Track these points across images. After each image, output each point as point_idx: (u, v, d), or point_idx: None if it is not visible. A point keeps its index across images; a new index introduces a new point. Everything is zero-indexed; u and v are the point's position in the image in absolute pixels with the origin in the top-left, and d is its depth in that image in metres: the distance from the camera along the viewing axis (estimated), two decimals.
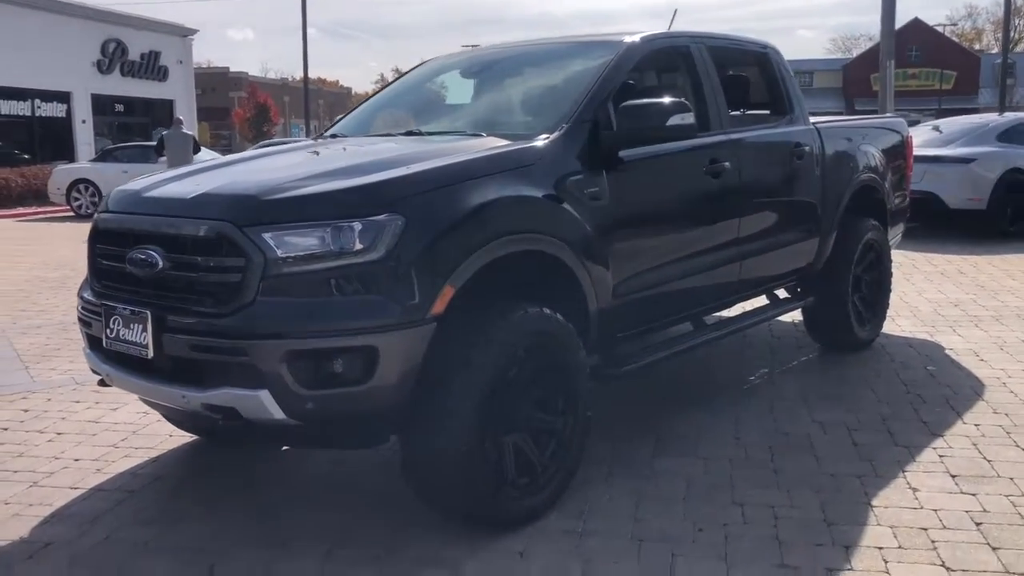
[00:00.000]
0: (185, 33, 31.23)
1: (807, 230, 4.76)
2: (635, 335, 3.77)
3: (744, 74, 4.76)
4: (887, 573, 2.69)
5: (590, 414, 3.28)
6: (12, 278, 8.91)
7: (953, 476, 3.39)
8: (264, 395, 2.66)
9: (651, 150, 3.65)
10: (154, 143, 17.15)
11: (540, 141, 3.34)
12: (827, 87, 52.52)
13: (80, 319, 3.29)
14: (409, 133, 3.92)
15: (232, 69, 68.87)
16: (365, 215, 2.72)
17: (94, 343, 3.19)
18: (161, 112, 29.35)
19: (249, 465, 3.71)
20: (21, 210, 19.21)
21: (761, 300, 4.96)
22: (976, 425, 3.96)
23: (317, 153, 3.74)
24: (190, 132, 15.84)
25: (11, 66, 23.45)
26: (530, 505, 3.06)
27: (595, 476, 3.44)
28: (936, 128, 11.47)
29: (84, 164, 19.94)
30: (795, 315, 5.59)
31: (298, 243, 2.70)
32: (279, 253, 2.68)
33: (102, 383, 3.26)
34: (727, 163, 4.06)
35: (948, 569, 2.70)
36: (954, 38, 56.48)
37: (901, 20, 32.47)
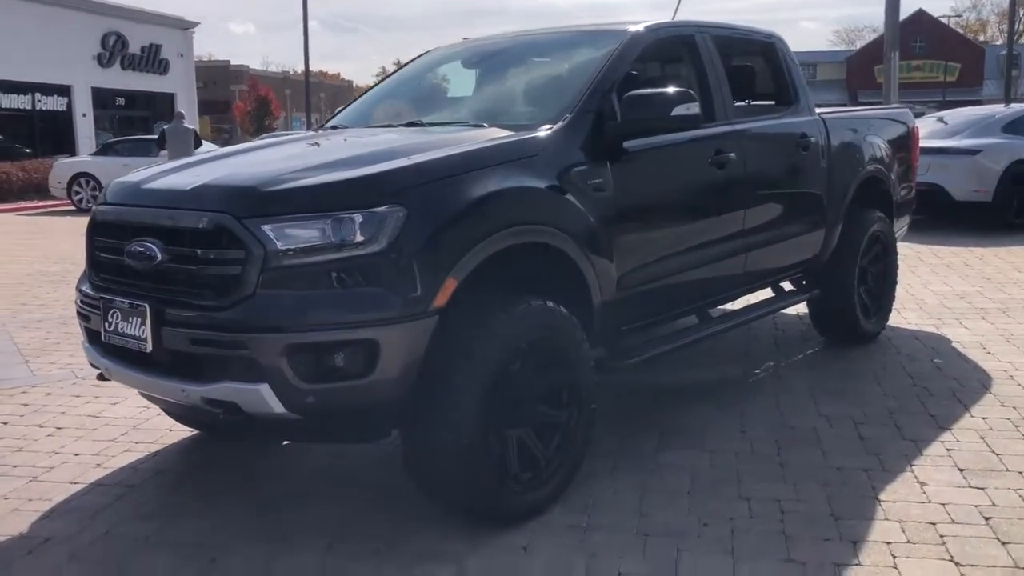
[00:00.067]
0: (186, 26, 31.13)
1: (812, 222, 4.72)
2: (640, 328, 3.73)
3: (749, 64, 4.71)
4: (895, 568, 2.66)
5: (594, 407, 3.25)
6: (13, 272, 8.88)
7: (961, 470, 3.36)
8: (264, 389, 2.63)
9: (655, 141, 3.60)
10: (155, 136, 17.14)
11: (543, 131, 3.30)
12: (830, 79, 52.34)
13: (79, 313, 3.26)
14: (410, 124, 3.88)
15: (233, 62, 68.78)
16: (366, 206, 2.68)
17: (93, 337, 3.16)
18: (162, 105, 29.29)
19: (250, 459, 3.68)
20: (22, 204, 19.20)
21: (765, 293, 4.92)
22: (984, 418, 3.92)
23: (317, 144, 3.70)
24: (191, 126, 15.81)
25: (11, 59, 23.39)
26: (534, 499, 3.03)
27: (600, 470, 3.41)
28: (941, 120, 11.41)
29: (85, 158, 19.92)
30: (800, 308, 5.56)
31: (298, 235, 2.66)
32: (279, 245, 2.64)
33: (101, 377, 3.23)
34: (732, 154, 4.01)
35: (957, 564, 2.67)
36: (958, 29, 56.23)
37: (905, 11, 32.32)
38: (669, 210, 3.76)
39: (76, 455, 3.71)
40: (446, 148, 3.09)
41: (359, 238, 2.65)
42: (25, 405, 4.41)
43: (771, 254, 4.41)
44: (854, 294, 5.04)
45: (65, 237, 11.86)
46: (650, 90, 3.45)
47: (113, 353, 3.04)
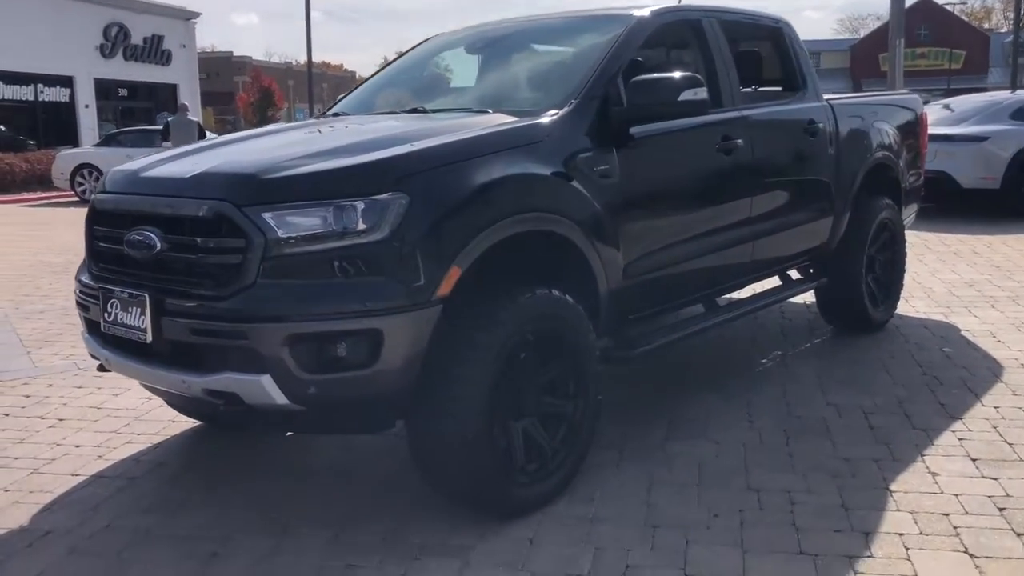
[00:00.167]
0: (188, 17, 31.02)
1: (820, 209, 4.66)
2: (646, 317, 3.68)
3: (756, 49, 4.65)
4: (909, 560, 2.61)
5: (601, 398, 3.20)
6: (16, 263, 8.85)
7: (973, 460, 3.31)
8: (266, 380, 2.58)
9: (662, 127, 3.55)
10: (158, 127, 17.09)
11: (548, 117, 3.25)
12: (834, 68, 52.04)
13: (78, 303, 3.22)
14: (413, 111, 3.82)
15: (236, 53, 68.66)
16: (368, 194, 2.63)
17: (92, 327, 3.12)
18: (165, 96, 29.23)
19: (253, 451, 3.64)
20: (26, 195, 19.17)
21: (772, 281, 4.86)
22: (996, 407, 3.87)
23: (319, 131, 3.65)
24: (195, 118, 15.76)
25: (13, 50, 23.33)
26: (540, 491, 2.99)
27: (606, 461, 3.36)
28: (947, 107, 11.31)
29: (88, 149, 19.90)
30: (807, 296, 5.50)
31: (299, 223, 2.61)
32: (280, 233, 2.59)
33: (101, 368, 3.20)
34: (739, 140, 3.95)
35: (972, 556, 2.62)
36: (963, 17, 55.88)
37: None
38: (676, 197, 3.70)
39: (77, 447, 3.68)
40: (449, 134, 3.04)
41: (361, 226, 2.60)
42: (27, 396, 4.38)
43: (779, 242, 4.36)
44: (862, 282, 4.98)
45: (68, 228, 11.82)
46: (657, 75, 3.40)
47: (113, 343, 3.00)
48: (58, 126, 25.57)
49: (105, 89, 27.57)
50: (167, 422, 3.91)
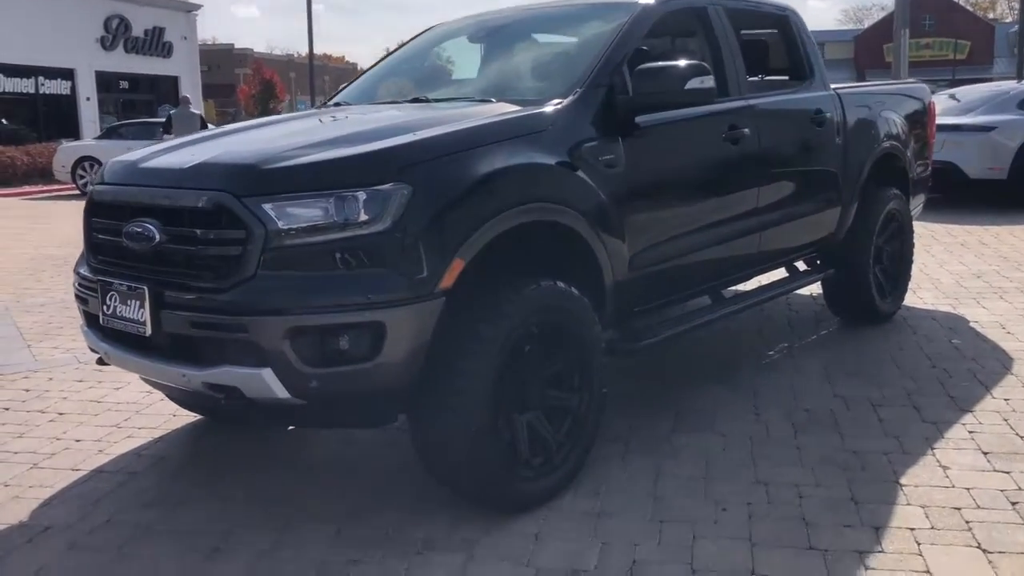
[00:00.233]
0: (189, 9, 30.92)
1: (828, 200, 4.60)
2: (652, 309, 3.63)
3: (763, 38, 4.59)
4: (920, 556, 2.57)
5: (606, 391, 3.16)
6: (17, 256, 8.82)
7: (985, 453, 3.26)
8: (267, 373, 2.54)
9: (668, 115, 3.50)
10: (160, 120, 17.04)
11: (552, 106, 3.19)
12: (838, 58, 51.79)
13: (76, 296, 3.18)
14: (415, 100, 3.76)
15: (237, 46, 68.53)
16: (370, 184, 2.59)
17: (91, 320, 3.08)
18: (166, 89, 29.15)
19: (255, 445, 3.61)
20: (27, 188, 19.13)
21: (778, 273, 4.81)
22: (1006, 400, 3.82)
23: (320, 121, 3.60)
24: (197, 111, 15.71)
25: (14, 43, 23.26)
26: (545, 485, 2.95)
27: (612, 454, 3.32)
28: (953, 96, 11.21)
29: (89, 142, 19.85)
30: (814, 288, 5.45)
31: (300, 214, 2.57)
32: (280, 225, 2.55)
33: (100, 362, 3.15)
34: (746, 130, 3.90)
35: (985, 551, 2.58)
36: (968, 7, 55.57)
37: None
38: (682, 187, 3.65)
39: (78, 441, 3.64)
40: (452, 124, 2.99)
41: (363, 217, 2.55)
42: (27, 391, 4.35)
43: (786, 233, 4.30)
44: (870, 273, 4.93)
45: (69, 221, 11.80)
46: (663, 63, 3.34)
47: (112, 337, 2.96)
48: (59, 119, 25.51)
49: (106, 81, 27.49)
50: (168, 416, 3.88)
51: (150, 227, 2.73)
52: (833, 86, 4.81)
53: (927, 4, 49.01)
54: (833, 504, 2.90)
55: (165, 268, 2.74)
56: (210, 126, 14.97)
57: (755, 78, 4.32)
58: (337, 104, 4.15)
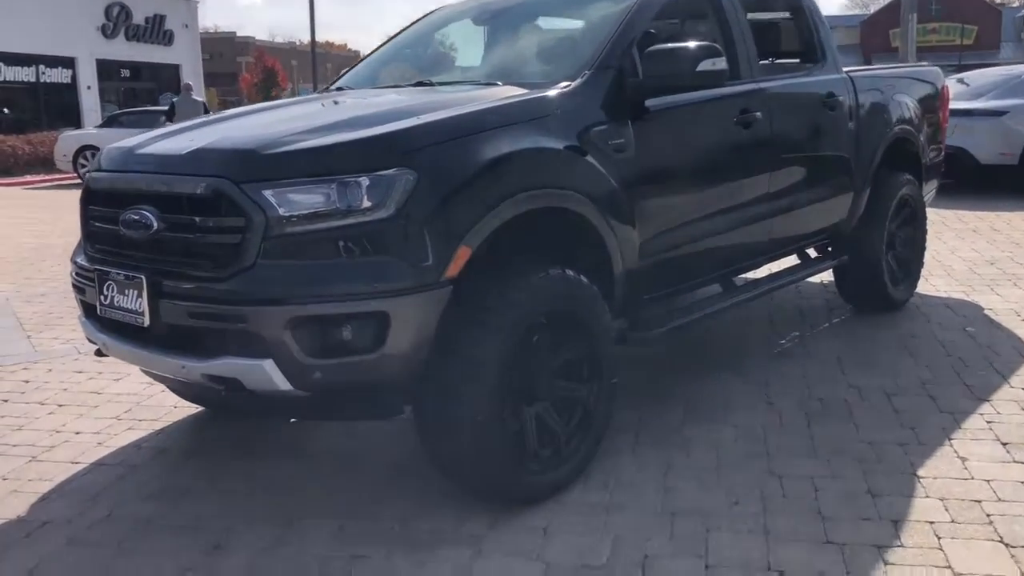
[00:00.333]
0: None
1: (840, 185, 4.51)
2: (662, 298, 3.55)
3: (774, 20, 4.49)
4: (941, 550, 2.50)
5: (616, 381, 3.08)
6: (18, 245, 8.76)
7: (1004, 444, 3.18)
8: (268, 365, 2.47)
9: (679, 99, 3.41)
10: (161, 108, 16.95)
11: (560, 89, 3.11)
12: (844, 44, 51.27)
13: (74, 285, 3.11)
14: (419, 84, 3.68)
15: (239, 34, 68.28)
16: (373, 169, 2.50)
17: (89, 311, 3.01)
18: (168, 77, 29.00)
19: (257, 438, 3.54)
20: (29, 178, 19.07)
21: (788, 261, 4.72)
22: None
23: (321, 105, 3.51)
24: (200, 98, 15.60)
25: (14, 31, 23.10)
26: (553, 478, 2.88)
27: (622, 445, 3.25)
28: (961, 81, 11.06)
29: (90, 130, 19.76)
30: (825, 275, 5.36)
31: (301, 201, 2.49)
32: (281, 212, 2.47)
33: (99, 353, 3.09)
34: (758, 113, 3.81)
35: (1008, 545, 2.50)
36: None
37: None
38: (694, 172, 3.56)
39: (77, 433, 3.58)
40: (457, 107, 2.91)
41: (366, 203, 2.48)
42: (26, 382, 4.29)
43: (798, 219, 4.22)
44: (882, 260, 4.84)
45: (70, 210, 11.66)
46: (674, 44, 3.25)
47: (110, 327, 2.89)
48: (60, 108, 25.40)
49: (107, 70, 27.34)
50: (169, 408, 3.81)
51: (147, 215, 2.66)
52: (845, 69, 4.71)
53: None
54: (849, 496, 2.83)
55: (163, 257, 2.66)
56: (212, 114, 14.90)
57: (766, 61, 4.22)
58: (339, 89, 4.06)
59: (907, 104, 5.05)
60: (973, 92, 10.33)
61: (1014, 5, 55.39)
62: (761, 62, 4.08)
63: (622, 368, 3.18)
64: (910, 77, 5.37)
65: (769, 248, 4.16)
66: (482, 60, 4.00)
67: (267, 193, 2.48)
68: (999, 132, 9.59)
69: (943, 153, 5.66)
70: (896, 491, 2.85)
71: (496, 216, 2.65)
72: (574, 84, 3.14)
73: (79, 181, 17.51)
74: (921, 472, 2.98)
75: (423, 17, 4.53)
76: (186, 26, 30.30)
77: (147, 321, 2.67)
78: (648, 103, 3.27)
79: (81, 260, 3.03)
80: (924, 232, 5.30)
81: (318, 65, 32.81)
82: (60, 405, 3.92)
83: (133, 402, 3.91)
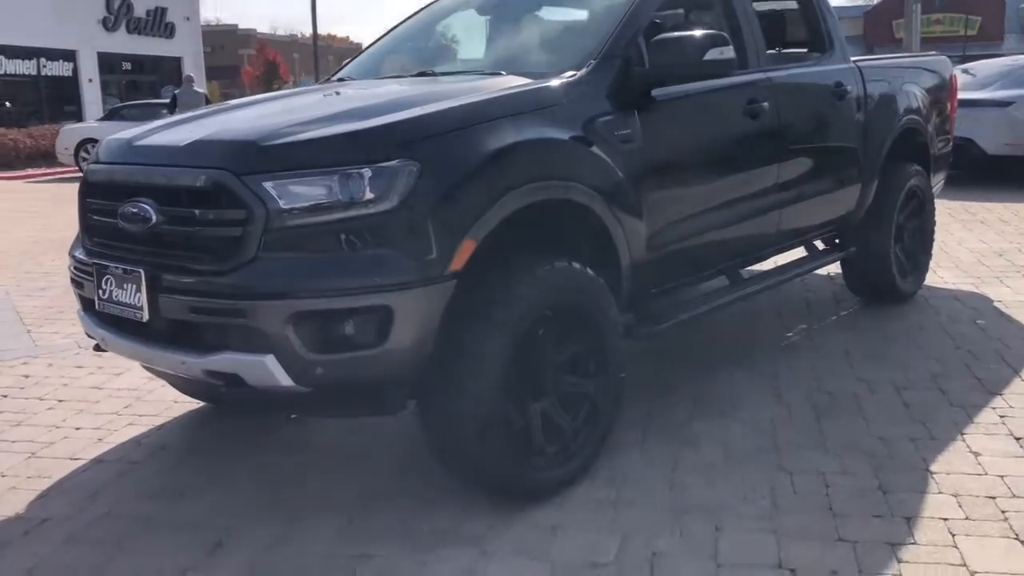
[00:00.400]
0: None
1: (848, 176, 4.45)
2: (669, 290, 3.50)
3: (782, 8, 4.42)
4: (956, 548, 2.45)
5: (623, 375, 3.03)
6: (19, 239, 8.72)
7: (1017, 439, 3.13)
8: (269, 360, 2.42)
9: (686, 88, 3.36)
10: (164, 100, 16.87)
11: (566, 79, 3.05)
12: (848, 35, 50.65)
13: (72, 280, 3.06)
14: (422, 74, 3.62)
15: (241, 27, 68.11)
16: (376, 161, 2.45)
17: (87, 305, 2.97)
18: (169, 70, 28.92)
19: (259, 433, 3.49)
20: (30, 171, 19.01)
21: (794, 254, 4.66)
22: None
23: (323, 96, 3.45)
24: (201, 90, 15.52)
25: (15, 24, 23.02)
26: (560, 474, 2.83)
27: (629, 441, 3.21)
28: (967, 71, 10.97)
29: (92, 123, 19.67)
30: (831, 267, 5.31)
31: (303, 193, 2.44)
32: (282, 204, 2.42)
33: (98, 348, 3.04)
34: (766, 103, 3.75)
35: (1023, 543, 2.46)
36: None
37: None
38: (701, 163, 3.51)
39: (77, 429, 3.54)
40: (461, 97, 2.85)
41: (368, 195, 2.42)
42: (26, 377, 4.24)
43: (805, 210, 4.16)
44: (890, 252, 4.78)
45: (71, 204, 11.60)
46: (681, 33, 3.19)
47: (109, 322, 2.84)
48: (62, 101, 25.33)
49: (109, 63, 27.27)
50: (170, 403, 3.77)
51: (146, 207, 2.61)
52: (853, 58, 4.64)
53: None
54: (861, 493, 2.78)
55: (162, 250, 2.61)
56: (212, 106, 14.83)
57: (773, 50, 4.16)
58: (341, 79, 4.01)
59: (916, 94, 4.99)
60: (979, 82, 10.25)
61: None
62: (768, 51, 4.03)
63: (628, 362, 3.12)
64: (918, 67, 5.30)
65: (777, 240, 4.10)
66: (486, 50, 3.94)
67: (268, 185, 2.43)
68: (1006, 122, 9.51)
69: (951, 143, 5.60)
70: (908, 487, 2.81)
71: (501, 208, 2.60)
72: (579, 74, 3.08)
73: (81, 174, 17.46)
74: (933, 467, 2.94)
75: (426, 7, 4.46)
76: (187, 19, 30.21)
77: (146, 316, 2.62)
78: (655, 93, 3.21)
79: (79, 254, 2.98)
80: (932, 223, 5.25)
81: (320, 58, 32.68)
82: (60, 400, 3.88)
83: (133, 397, 3.87)
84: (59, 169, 18.82)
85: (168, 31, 29.26)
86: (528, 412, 2.74)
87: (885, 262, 4.76)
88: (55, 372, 4.29)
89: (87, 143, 17.71)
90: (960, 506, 2.67)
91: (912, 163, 4.96)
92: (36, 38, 24.11)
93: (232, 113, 3.23)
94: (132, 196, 2.68)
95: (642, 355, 4.08)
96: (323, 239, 2.43)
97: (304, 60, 58.36)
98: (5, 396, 3.97)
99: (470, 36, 4.24)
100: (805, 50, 4.55)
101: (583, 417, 2.91)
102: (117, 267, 2.72)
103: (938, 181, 5.43)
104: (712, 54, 3.17)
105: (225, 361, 2.49)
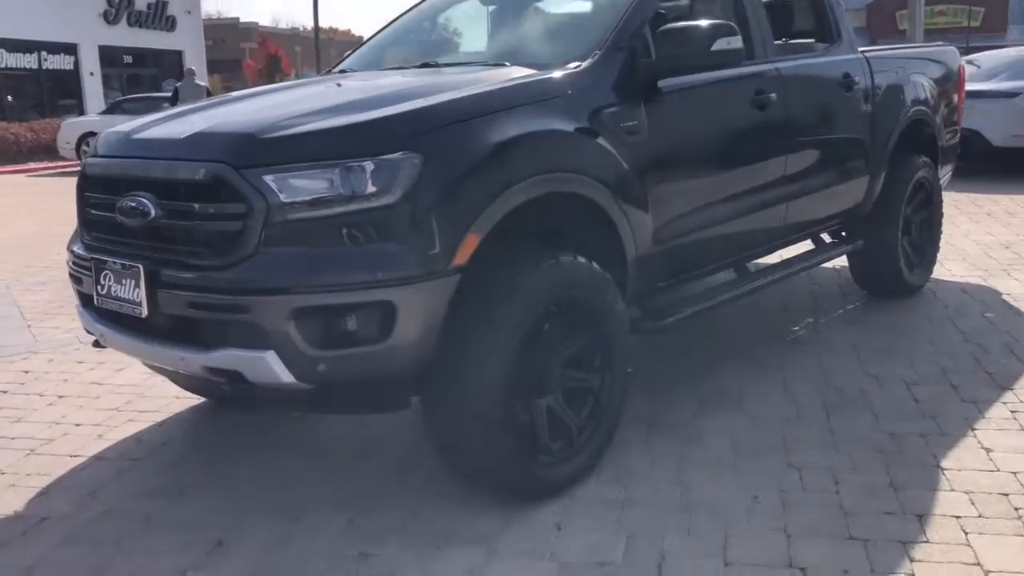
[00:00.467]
0: None
1: (856, 168, 4.40)
2: (675, 285, 3.45)
3: None
4: (969, 546, 2.41)
5: (630, 371, 2.99)
6: (19, 233, 8.69)
7: None
8: (270, 356, 2.38)
9: (693, 79, 3.30)
10: (166, 94, 16.82)
11: (570, 70, 3.00)
12: (851, 26, 50.84)
13: (71, 275, 3.02)
14: (424, 65, 3.57)
15: (242, 20, 67.95)
16: (378, 153, 2.40)
17: (86, 300, 2.93)
18: (170, 63, 28.83)
19: (261, 430, 3.45)
20: (31, 165, 18.98)
21: (801, 247, 4.61)
22: None
23: (324, 88, 3.40)
24: (203, 83, 15.46)
25: (15, 17, 22.95)
26: (565, 471, 2.79)
27: (634, 438, 3.16)
28: (971, 62, 10.87)
29: (93, 117, 19.63)
30: (838, 261, 5.25)
31: (304, 186, 2.39)
32: (283, 198, 2.37)
33: (97, 344, 3.00)
34: (773, 95, 3.69)
35: None
36: None
37: None
38: (708, 155, 3.45)
39: (77, 426, 3.50)
40: (464, 89, 2.80)
41: (371, 189, 2.38)
42: (26, 372, 4.21)
43: (813, 203, 4.11)
44: (898, 245, 4.73)
45: (73, 198, 11.59)
46: (688, 23, 3.14)
47: (108, 318, 2.80)
48: (62, 94, 25.27)
49: (110, 56, 27.18)
50: (170, 399, 3.73)
51: (145, 201, 2.56)
52: (861, 49, 4.59)
53: None
54: (872, 490, 2.74)
55: (161, 245, 2.57)
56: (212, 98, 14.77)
57: (780, 41, 4.10)
58: (342, 71, 3.95)
59: (924, 85, 4.93)
60: (984, 74, 10.16)
61: None
62: (776, 42, 3.97)
63: (635, 357, 3.08)
64: (926, 57, 5.24)
65: (784, 233, 4.05)
66: (489, 41, 3.88)
67: (268, 178, 2.38)
68: (1012, 114, 9.43)
69: (959, 135, 5.54)
70: (920, 484, 2.76)
71: (506, 202, 2.56)
72: (584, 65, 3.03)
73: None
74: (945, 464, 2.89)
75: None
76: (189, 12, 30.11)
77: (145, 311, 2.58)
78: (661, 84, 3.16)
79: (78, 249, 2.94)
80: (940, 216, 5.19)
81: (322, 51, 32.59)
82: (60, 396, 3.85)
83: (134, 393, 3.84)
84: (60, 163, 18.78)
85: (169, 24, 29.16)
86: (533, 408, 2.69)
87: (892, 255, 4.71)
88: (55, 368, 4.26)
89: (88, 137, 17.64)
90: (973, 503, 2.63)
91: (920, 155, 4.90)
92: (37, 31, 24.03)
93: (232, 105, 3.18)
94: (130, 190, 2.63)
95: (646, 350, 4.04)
96: (324, 233, 2.39)
97: (306, 53, 58.23)
98: (5, 392, 3.93)
99: (473, 27, 4.18)
100: (812, 40, 4.49)
101: (589, 413, 2.86)
102: (116, 262, 2.67)
103: (946, 173, 5.38)
104: (719, 44, 3.11)
105: (225, 357, 2.45)
